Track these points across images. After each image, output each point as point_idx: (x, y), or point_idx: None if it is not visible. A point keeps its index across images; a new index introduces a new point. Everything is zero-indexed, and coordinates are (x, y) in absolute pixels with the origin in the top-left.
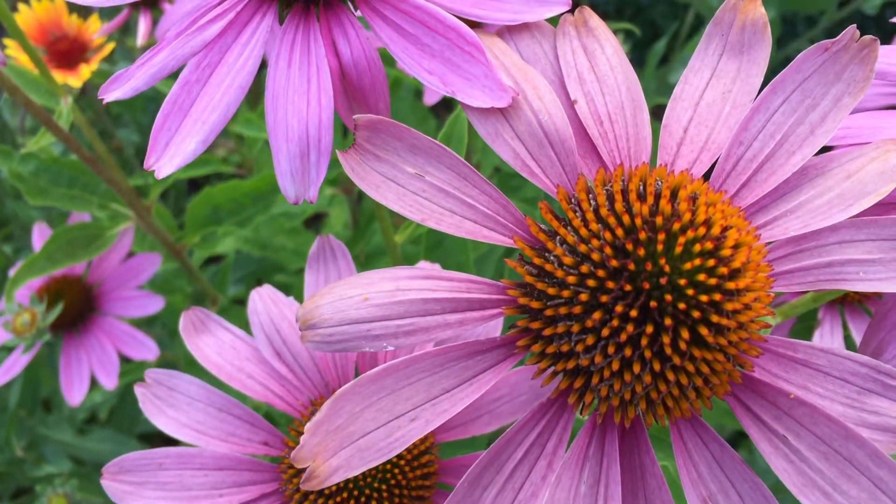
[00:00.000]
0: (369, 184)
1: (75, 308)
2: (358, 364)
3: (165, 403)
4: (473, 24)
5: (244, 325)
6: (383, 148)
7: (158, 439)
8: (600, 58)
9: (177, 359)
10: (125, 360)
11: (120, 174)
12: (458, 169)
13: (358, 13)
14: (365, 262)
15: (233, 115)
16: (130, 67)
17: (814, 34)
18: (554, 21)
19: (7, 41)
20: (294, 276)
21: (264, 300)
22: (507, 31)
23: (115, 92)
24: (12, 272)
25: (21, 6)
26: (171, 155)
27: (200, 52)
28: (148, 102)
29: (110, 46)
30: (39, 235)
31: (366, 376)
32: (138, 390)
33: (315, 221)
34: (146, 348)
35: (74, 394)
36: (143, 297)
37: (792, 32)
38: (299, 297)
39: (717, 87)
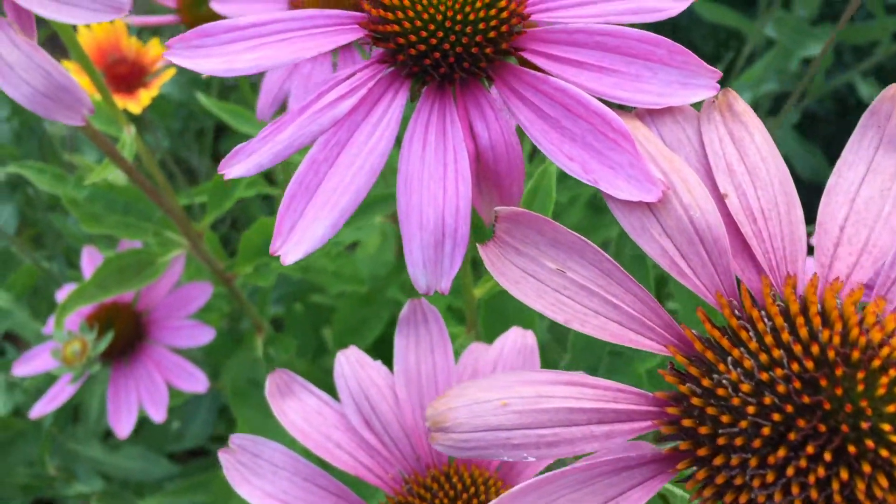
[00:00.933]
0: (509, 279)
1: (125, 336)
2: None
3: (250, 471)
4: (611, 106)
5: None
6: (523, 241)
7: (188, 457)
8: (749, 147)
9: (223, 388)
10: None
11: (175, 201)
12: (602, 265)
13: (493, 90)
14: (410, 291)
15: (362, 199)
16: (252, 141)
17: (864, 67)
18: (695, 104)
19: (67, 63)
20: (335, 298)
21: (351, 364)
22: (648, 114)
23: (237, 168)
24: (59, 295)
25: (80, 27)
26: (297, 240)
27: (329, 129)
28: (178, 108)
29: (171, 72)
30: (89, 260)
31: (507, 496)
32: (223, 456)
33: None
34: (196, 380)
35: (123, 425)
36: (193, 327)
37: (839, 63)
38: (344, 329)
39: (874, 183)
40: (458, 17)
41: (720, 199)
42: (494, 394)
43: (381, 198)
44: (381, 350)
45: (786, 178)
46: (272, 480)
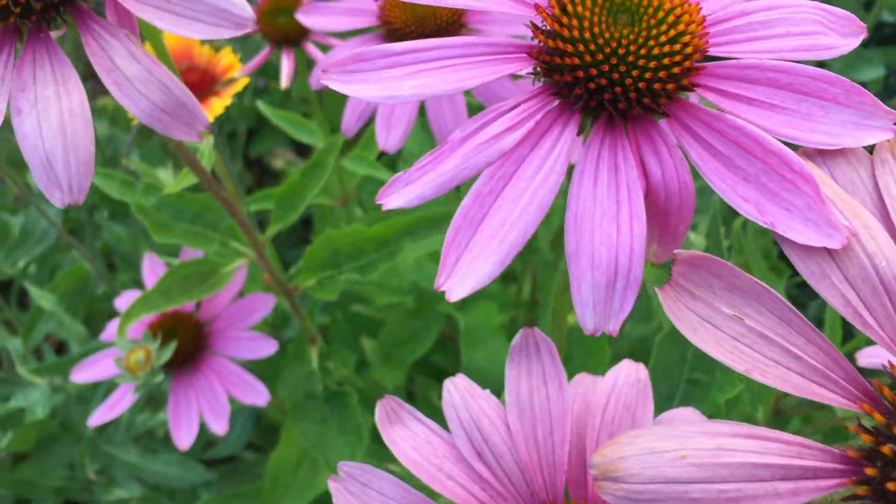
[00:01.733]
0: (686, 325)
1: (186, 347)
2: (568, 473)
3: (359, 500)
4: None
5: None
6: (698, 285)
7: (222, 465)
8: None
9: (283, 402)
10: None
11: (244, 211)
12: (781, 312)
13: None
14: (461, 304)
15: (531, 235)
16: (410, 171)
17: None
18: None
19: None
20: (380, 310)
21: (461, 393)
22: (819, 155)
23: (396, 198)
24: (118, 302)
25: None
26: (462, 275)
27: (496, 162)
28: None
29: (243, 81)
30: (150, 267)
31: None
32: (332, 485)
33: None
34: (257, 392)
35: (183, 436)
36: (256, 339)
37: (886, 87)
38: (392, 342)
39: None
40: (643, 52)
41: None
42: (670, 444)
43: (447, 216)
44: (430, 364)
45: None
46: None
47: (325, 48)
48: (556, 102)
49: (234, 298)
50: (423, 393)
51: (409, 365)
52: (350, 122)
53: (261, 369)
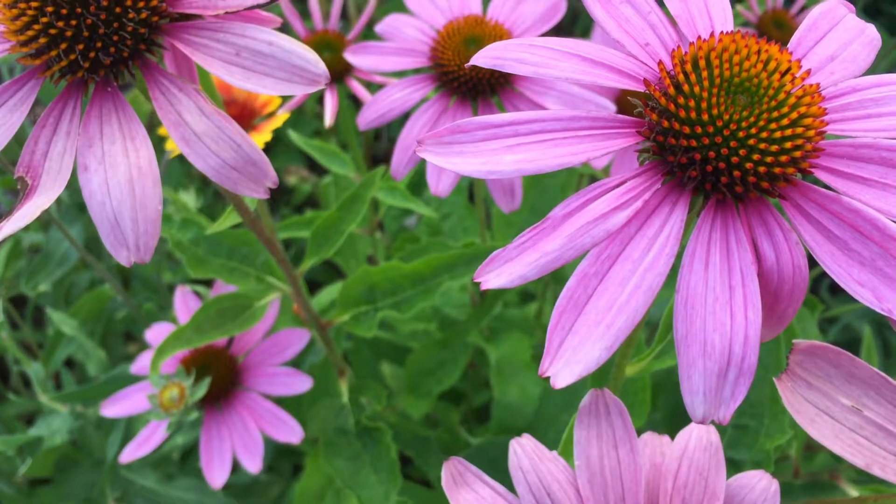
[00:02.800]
0: (804, 417)
1: (220, 382)
2: None
3: None
4: None
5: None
6: (815, 374)
7: (238, 488)
8: None
9: (314, 441)
10: None
11: (280, 246)
12: None
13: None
14: (490, 336)
15: (639, 321)
16: (509, 248)
17: None
18: None
19: None
20: (406, 338)
21: (529, 455)
22: None
23: (496, 278)
24: (149, 335)
25: None
26: (567, 360)
27: (602, 241)
28: None
29: (284, 117)
30: (182, 301)
31: None
32: None
33: None
34: (291, 430)
35: (216, 475)
36: (289, 375)
37: None
38: (419, 372)
39: None
40: (764, 136)
41: None
42: None
43: (486, 251)
44: (451, 389)
45: None
46: None
47: (368, 84)
48: (666, 181)
49: (268, 333)
50: (444, 417)
51: (436, 396)
52: (400, 164)
53: (284, 401)
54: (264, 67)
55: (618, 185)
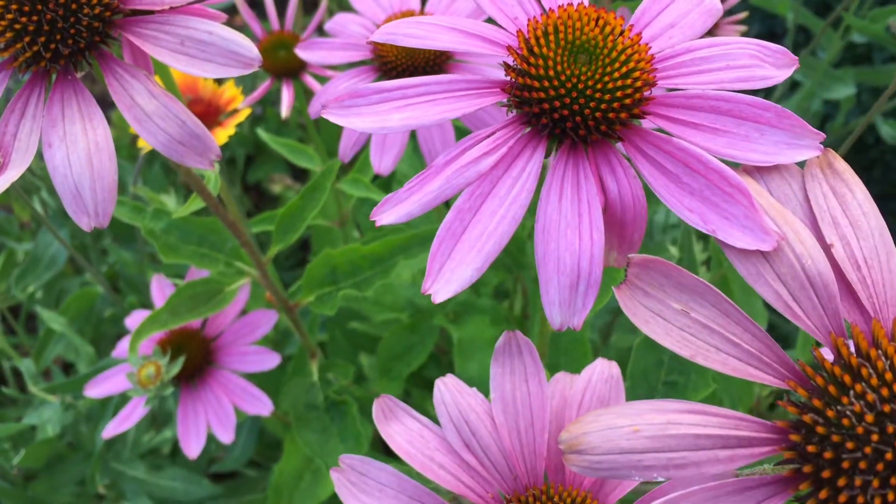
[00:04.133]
0: (640, 318)
1: (194, 361)
2: (547, 461)
3: (358, 489)
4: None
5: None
6: (651, 284)
7: (226, 481)
8: (851, 202)
9: (284, 418)
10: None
11: (248, 232)
12: (722, 306)
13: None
14: (454, 318)
15: (504, 245)
16: (399, 192)
17: (886, 108)
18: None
19: None
20: (377, 326)
21: (451, 391)
22: (756, 171)
23: (387, 216)
24: (129, 321)
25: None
26: (446, 280)
27: (475, 182)
28: None
29: (246, 112)
30: (158, 288)
31: None
32: (334, 475)
33: None
34: (261, 403)
35: (192, 446)
36: (259, 353)
37: (858, 104)
38: (389, 356)
39: None
40: (598, 87)
41: (826, 248)
42: (626, 420)
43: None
44: (424, 377)
45: (885, 231)
46: (379, 497)
47: (321, 79)
48: (527, 130)
49: (239, 315)
50: (419, 403)
51: (406, 377)
52: (346, 148)
53: (263, 384)
54: (206, 54)
55: (489, 135)
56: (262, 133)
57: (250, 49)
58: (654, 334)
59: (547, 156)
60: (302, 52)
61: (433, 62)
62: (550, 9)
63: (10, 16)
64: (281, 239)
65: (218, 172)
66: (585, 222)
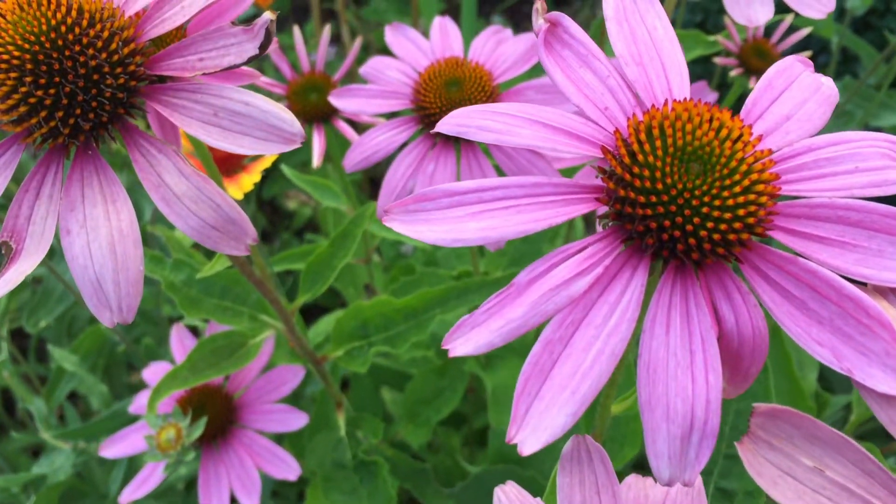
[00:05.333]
0: (767, 480)
1: (216, 421)
2: None
3: None
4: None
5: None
6: (777, 436)
7: None
8: None
9: (311, 475)
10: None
11: (272, 284)
12: (863, 464)
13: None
14: (486, 361)
15: (603, 387)
16: (476, 314)
17: None
18: None
19: None
20: (406, 364)
21: (512, 502)
22: (892, 294)
23: (463, 345)
24: (146, 374)
25: None
26: (533, 427)
27: (565, 308)
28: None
29: (272, 157)
30: (178, 340)
31: None
32: None
33: None
34: (288, 467)
35: None
36: (284, 412)
37: None
38: (417, 400)
39: None
40: (717, 203)
41: None
42: None
43: (479, 285)
44: (451, 413)
45: None
46: None
47: (354, 123)
48: (626, 247)
49: (263, 369)
50: (444, 441)
51: (435, 424)
52: (386, 204)
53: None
54: (241, 127)
55: (580, 251)
56: (287, 171)
57: (292, 123)
58: (785, 499)
59: (650, 277)
60: (336, 101)
61: None
62: (653, 106)
63: (23, 88)
64: (309, 289)
65: None
66: (699, 361)
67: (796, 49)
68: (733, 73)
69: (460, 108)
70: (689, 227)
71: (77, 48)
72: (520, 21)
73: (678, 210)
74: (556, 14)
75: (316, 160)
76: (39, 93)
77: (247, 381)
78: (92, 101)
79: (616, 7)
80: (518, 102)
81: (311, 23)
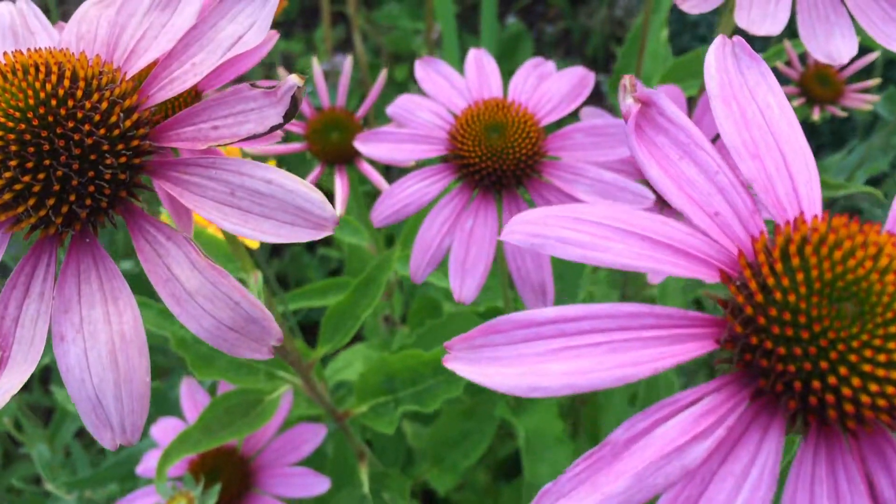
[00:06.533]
0: None
1: (231, 488)
2: None
3: None
4: None
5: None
6: None
7: None
8: None
9: None
10: None
11: (291, 338)
12: None
13: None
14: (517, 404)
15: None
16: (560, 482)
17: None
18: None
19: None
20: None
21: None
22: None
23: None
24: (154, 431)
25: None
26: None
27: (678, 482)
28: None
29: None
30: (189, 395)
31: None
32: None
33: None
34: None
35: None
36: (306, 476)
37: None
38: (443, 442)
39: None
40: (882, 360)
41: None
42: None
43: None
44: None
45: None
46: None
47: (379, 165)
48: (752, 402)
49: (281, 427)
50: (470, 478)
51: (462, 470)
52: (419, 266)
53: None
54: (263, 209)
55: (693, 403)
56: None
57: (322, 205)
58: None
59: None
60: (363, 147)
61: (527, 165)
62: (788, 223)
63: (7, 174)
64: (329, 339)
65: (261, 284)
66: None
67: (862, 75)
68: (796, 104)
69: (504, 157)
70: (846, 392)
71: (71, 124)
72: (534, 21)
73: (831, 368)
74: (649, 92)
75: (339, 208)
76: (27, 178)
77: (264, 440)
78: (89, 184)
79: (721, 83)
80: (571, 155)
81: (321, 28)
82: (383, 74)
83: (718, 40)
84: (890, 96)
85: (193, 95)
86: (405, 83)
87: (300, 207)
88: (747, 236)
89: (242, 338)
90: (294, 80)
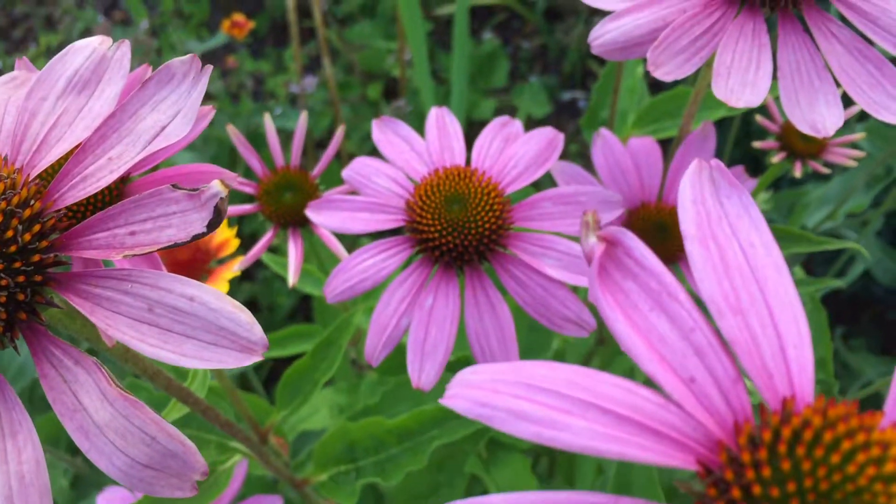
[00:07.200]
0: None
1: None
2: None
3: None
4: None
5: None
6: None
7: None
8: None
9: None
10: None
11: (245, 406)
12: None
13: None
14: (488, 456)
15: None
16: None
17: None
18: None
19: None
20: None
21: None
22: None
23: None
24: (101, 501)
25: None
26: None
27: None
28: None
29: (238, 259)
30: None
31: None
32: None
33: None
34: None
35: None
36: None
37: None
38: (411, 497)
39: None
40: None
41: None
42: None
43: None
44: None
45: None
46: None
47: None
48: None
49: (235, 499)
50: None
51: None
52: (375, 348)
53: None
54: (184, 327)
55: None
56: (267, 259)
57: (250, 327)
58: None
59: None
60: (315, 216)
61: (491, 241)
62: (776, 412)
63: None
64: (287, 404)
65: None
66: None
67: (846, 128)
68: (776, 159)
69: (467, 231)
70: None
71: None
72: (510, 37)
73: None
74: (614, 230)
75: (291, 278)
76: None
77: None
78: None
79: (698, 219)
80: (538, 247)
81: (291, 47)
82: (340, 131)
83: (694, 165)
84: (874, 129)
85: (113, 191)
86: (377, 102)
87: (225, 329)
88: (728, 410)
89: (161, 475)
90: (217, 188)
